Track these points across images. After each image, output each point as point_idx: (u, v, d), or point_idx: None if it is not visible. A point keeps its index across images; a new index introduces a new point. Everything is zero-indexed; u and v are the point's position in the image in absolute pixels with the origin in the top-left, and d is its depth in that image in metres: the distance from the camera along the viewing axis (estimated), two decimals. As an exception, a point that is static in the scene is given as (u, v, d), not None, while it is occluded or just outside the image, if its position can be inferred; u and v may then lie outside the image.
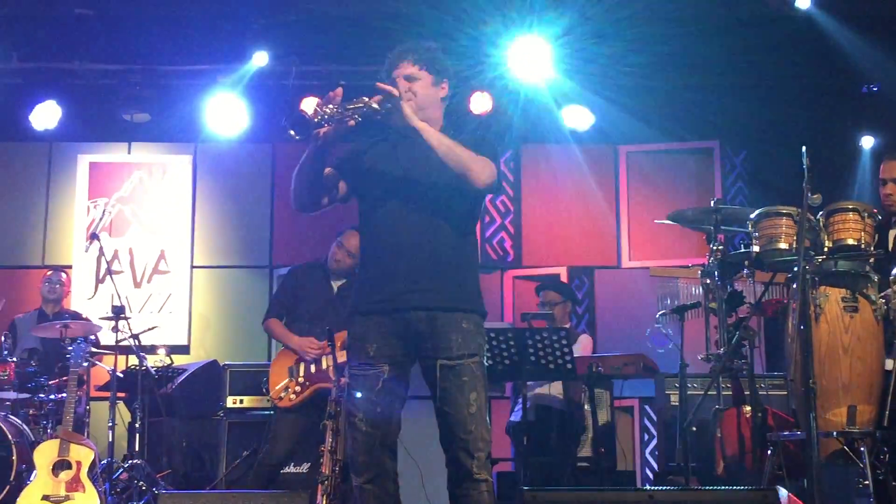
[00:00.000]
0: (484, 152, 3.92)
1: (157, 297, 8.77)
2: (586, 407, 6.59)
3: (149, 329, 7.51)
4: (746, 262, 5.14)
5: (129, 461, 6.89)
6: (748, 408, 5.25)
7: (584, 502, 4.31)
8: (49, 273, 7.99)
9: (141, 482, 6.74)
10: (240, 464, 6.92)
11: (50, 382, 7.00)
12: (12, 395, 6.92)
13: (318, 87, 7.98)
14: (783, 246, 4.91)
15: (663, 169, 8.79)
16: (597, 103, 8.24)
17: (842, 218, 4.81)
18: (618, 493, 4.21)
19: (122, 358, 7.21)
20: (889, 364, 4.79)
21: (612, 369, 6.38)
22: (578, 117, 8.38)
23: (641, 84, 8.03)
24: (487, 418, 3.90)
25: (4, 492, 6.40)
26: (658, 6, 7.21)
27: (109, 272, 7.69)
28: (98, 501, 6.13)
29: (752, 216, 5.07)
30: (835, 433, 4.66)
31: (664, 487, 5.56)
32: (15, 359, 7.04)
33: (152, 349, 7.88)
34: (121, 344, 7.12)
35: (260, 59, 8.02)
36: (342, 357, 4.85)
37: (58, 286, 7.87)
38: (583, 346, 7.02)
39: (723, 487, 4.80)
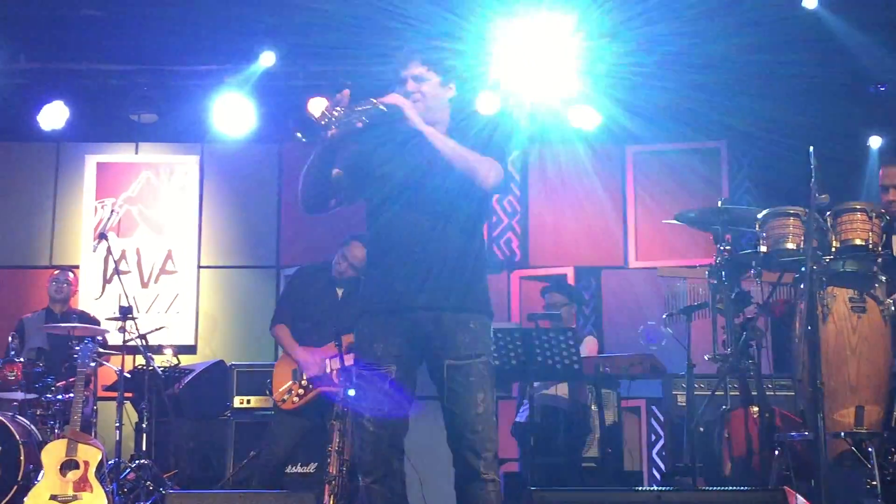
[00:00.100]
0: (491, 153, 3.92)
1: (165, 298, 8.79)
2: (593, 407, 6.59)
3: (156, 329, 7.52)
4: (754, 263, 5.13)
5: (137, 461, 6.90)
6: (755, 408, 5.25)
7: (593, 502, 4.31)
8: (56, 273, 8.00)
9: (148, 482, 6.75)
10: (247, 464, 6.94)
11: (57, 383, 7.01)
12: (20, 395, 6.93)
13: (326, 87, 7.98)
14: (791, 246, 4.91)
15: (670, 169, 8.77)
16: (604, 103, 8.23)
17: (849, 218, 4.81)
18: (626, 493, 4.22)
19: (129, 358, 7.24)
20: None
21: (619, 369, 6.38)
22: (585, 117, 8.36)
23: (648, 84, 8.02)
24: (495, 418, 3.90)
25: (12, 491, 6.41)
26: (665, 6, 7.20)
27: (117, 272, 7.71)
28: (105, 501, 6.13)
29: (760, 216, 5.07)
30: (842, 434, 4.66)
31: (672, 488, 5.56)
32: (22, 359, 7.05)
33: (159, 349, 7.89)
34: (128, 344, 7.14)
35: (267, 59, 8.02)
36: (350, 360, 4.87)
37: (65, 286, 7.88)
38: (588, 348, 7.02)
39: (730, 488, 4.80)
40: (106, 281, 8.72)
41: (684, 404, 6.24)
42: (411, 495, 4.03)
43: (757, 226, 5.07)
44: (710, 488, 5.16)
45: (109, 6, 7.57)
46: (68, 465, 6.18)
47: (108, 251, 7.80)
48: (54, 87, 8.28)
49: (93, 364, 6.73)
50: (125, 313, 7.12)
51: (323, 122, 3.77)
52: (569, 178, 8.88)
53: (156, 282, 8.82)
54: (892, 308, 4.76)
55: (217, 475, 7.31)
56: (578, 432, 6.68)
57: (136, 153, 9.05)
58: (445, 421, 3.88)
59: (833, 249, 4.80)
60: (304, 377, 6.23)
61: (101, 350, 7.00)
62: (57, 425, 6.85)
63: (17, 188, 8.90)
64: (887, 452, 4.72)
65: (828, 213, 4.84)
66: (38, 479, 6.22)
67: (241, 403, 7.25)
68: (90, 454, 6.24)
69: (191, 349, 8.63)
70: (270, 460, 6.31)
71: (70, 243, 8.86)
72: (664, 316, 6.35)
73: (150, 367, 7.14)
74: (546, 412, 6.75)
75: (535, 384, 6.44)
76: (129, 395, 7.31)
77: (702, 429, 5.76)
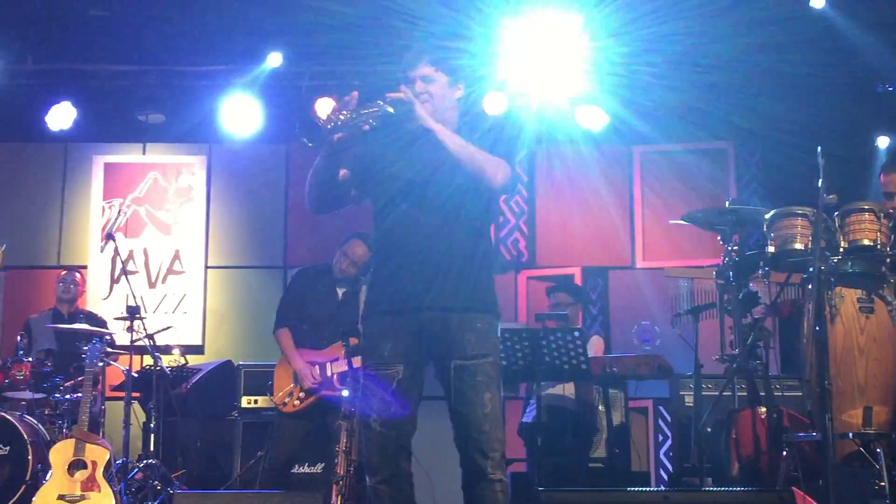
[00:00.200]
0: (498, 153, 3.92)
1: (172, 298, 8.80)
2: (600, 408, 6.58)
3: (163, 329, 7.53)
4: (762, 263, 5.13)
5: (144, 461, 6.90)
6: (763, 409, 5.24)
7: (600, 503, 4.31)
8: (63, 273, 8.01)
9: (156, 482, 6.76)
10: (254, 464, 6.94)
11: (66, 383, 7.03)
12: (28, 394, 6.94)
13: (333, 87, 7.99)
14: (798, 246, 4.90)
15: (678, 169, 8.76)
16: (611, 104, 8.22)
17: (857, 218, 4.80)
18: (634, 493, 4.22)
19: (136, 358, 7.24)
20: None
21: (626, 370, 6.38)
22: (592, 117, 8.36)
23: (656, 84, 8.01)
24: (502, 418, 3.90)
25: (20, 491, 6.43)
26: (673, 6, 7.19)
27: (124, 272, 7.72)
28: (113, 501, 6.14)
29: (768, 217, 5.06)
30: (850, 434, 4.65)
31: (679, 488, 5.55)
32: (31, 359, 7.07)
33: (167, 349, 7.90)
34: (136, 344, 7.15)
35: (274, 59, 8.03)
36: (357, 362, 4.87)
37: (72, 286, 7.89)
38: (594, 348, 7.01)
39: (738, 489, 4.80)
40: (113, 281, 8.74)
41: (692, 405, 6.24)
42: (420, 496, 4.03)
43: (765, 226, 5.06)
44: (718, 489, 5.15)
45: (116, 7, 7.59)
46: (76, 465, 6.19)
47: (116, 251, 7.83)
48: (62, 87, 8.29)
49: (101, 364, 6.74)
50: (133, 313, 7.13)
51: (329, 126, 3.76)
52: (576, 178, 8.87)
53: (163, 282, 8.84)
54: (901, 308, 4.75)
55: (225, 475, 7.32)
56: (585, 433, 6.68)
57: (144, 153, 9.06)
58: (452, 421, 3.87)
59: (841, 250, 4.79)
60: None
61: (108, 350, 7.00)
62: (65, 425, 6.86)
63: (25, 189, 8.92)
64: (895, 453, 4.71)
65: (836, 213, 4.83)
66: (46, 478, 6.24)
67: (249, 403, 7.26)
68: (98, 454, 6.25)
69: (198, 349, 8.65)
70: (274, 464, 6.32)
71: (78, 243, 8.88)
72: (672, 316, 6.35)
73: (158, 367, 7.15)
74: (553, 412, 6.74)
75: (542, 384, 6.44)
76: (137, 394, 7.32)
77: (709, 429, 5.75)
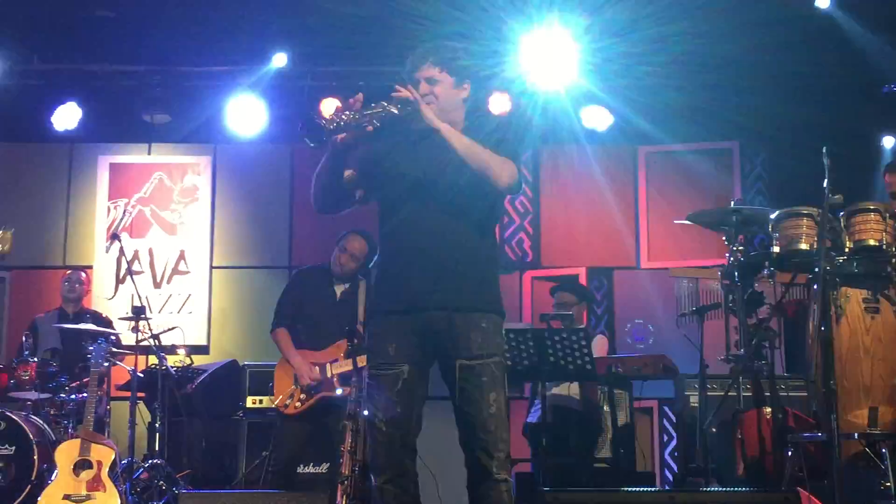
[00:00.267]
0: (504, 152, 3.92)
1: (177, 298, 8.81)
2: (605, 408, 6.57)
3: (169, 329, 7.53)
4: (767, 263, 5.12)
5: (150, 461, 6.92)
6: (768, 409, 5.24)
7: (605, 503, 4.31)
8: (68, 273, 8.02)
9: (161, 482, 6.76)
10: (259, 464, 6.95)
11: (71, 383, 7.03)
12: (34, 394, 6.95)
13: (338, 87, 8.00)
14: (804, 246, 4.90)
15: (683, 169, 8.76)
16: (616, 104, 8.23)
17: (863, 218, 4.80)
18: (639, 493, 4.22)
19: (142, 358, 7.25)
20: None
21: (631, 370, 6.37)
22: (597, 118, 8.36)
23: (661, 84, 8.02)
24: (507, 418, 3.90)
25: (26, 491, 6.43)
26: (678, 6, 7.19)
27: (130, 272, 7.73)
28: (119, 501, 6.15)
29: (773, 217, 5.06)
30: (856, 435, 4.64)
31: (684, 488, 5.55)
32: (36, 359, 7.08)
33: (172, 349, 7.89)
34: (141, 344, 7.16)
35: (279, 60, 8.05)
36: (362, 361, 4.87)
37: (77, 286, 7.90)
38: (598, 347, 7.00)
39: (743, 489, 4.80)
40: (119, 281, 8.75)
41: (697, 405, 6.23)
42: (426, 496, 4.03)
43: (770, 226, 5.06)
44: (723, 489, 5.15)
45: (122, 7, 7.61)
46: (82, 465, 6.20)
47: (121, 251, 7.84)
48: (67, 88, 8.31)
49: (106, 364, 6.75)
50: (138, 313, 7.14)
51: (331, 127, 3.76)
52: (581, 178, 8.87)
53: (168, 282, 8.85)
54: (906, 308, 4.75)
55: (230, 475, 7.33)
56: (590, 433, 6.67)
57: (149, 154, 9.07)
58: (457, 421, 3.87)
59: (846, 250, 4.79)
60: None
61: (114, 350, 7.01)
62: (70, 425, 6.87)
63: (30, 189, 8.93)
64: (901, 454, 4.70)
65: (841, 213, 4.83)
66: (52, 478, 6.24)
67: (254, 403, 7.26)
68: (103, 454, 6.26)
69: (203, 349, 8.65)
70: (278, 465, 6.32)
71: (83, 243, 8.89)
72: (678, 316, 6.34)
73: (163, 367, 7.15)
74: (558, 412, 6.73)
75: (547, 384, 6.44)
76: (142, 394, 7.33)
77: (714, 429, 5.75)
